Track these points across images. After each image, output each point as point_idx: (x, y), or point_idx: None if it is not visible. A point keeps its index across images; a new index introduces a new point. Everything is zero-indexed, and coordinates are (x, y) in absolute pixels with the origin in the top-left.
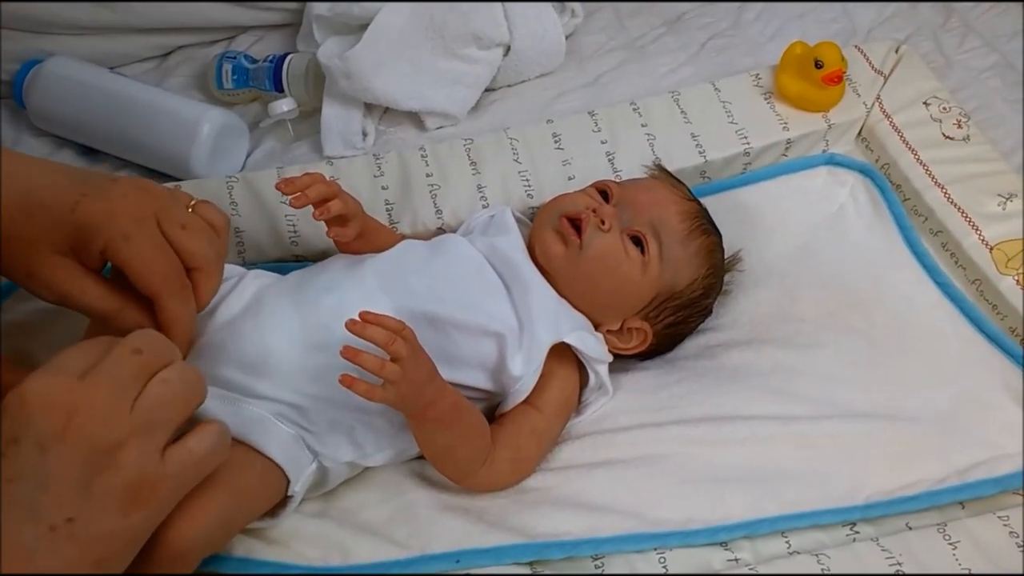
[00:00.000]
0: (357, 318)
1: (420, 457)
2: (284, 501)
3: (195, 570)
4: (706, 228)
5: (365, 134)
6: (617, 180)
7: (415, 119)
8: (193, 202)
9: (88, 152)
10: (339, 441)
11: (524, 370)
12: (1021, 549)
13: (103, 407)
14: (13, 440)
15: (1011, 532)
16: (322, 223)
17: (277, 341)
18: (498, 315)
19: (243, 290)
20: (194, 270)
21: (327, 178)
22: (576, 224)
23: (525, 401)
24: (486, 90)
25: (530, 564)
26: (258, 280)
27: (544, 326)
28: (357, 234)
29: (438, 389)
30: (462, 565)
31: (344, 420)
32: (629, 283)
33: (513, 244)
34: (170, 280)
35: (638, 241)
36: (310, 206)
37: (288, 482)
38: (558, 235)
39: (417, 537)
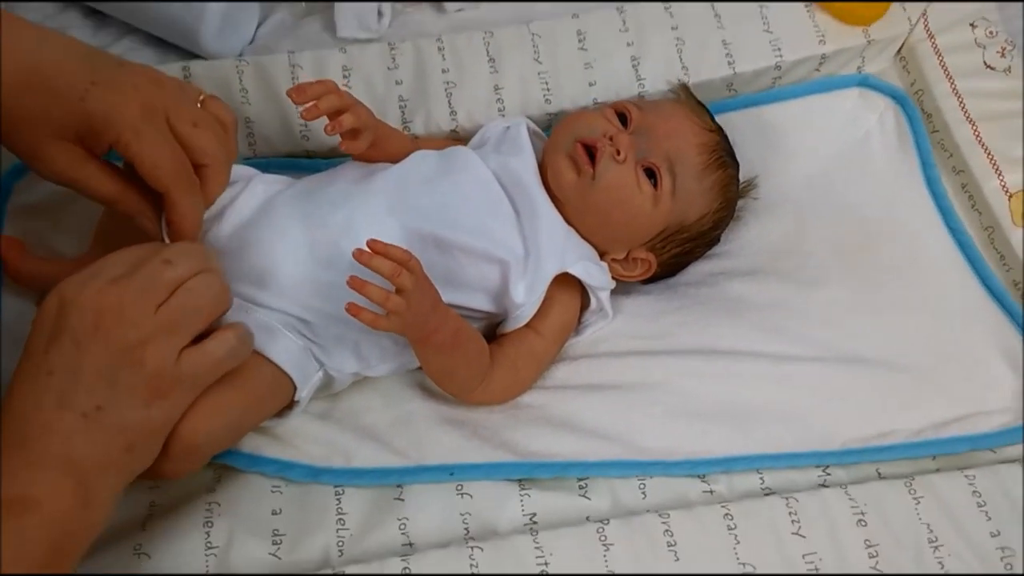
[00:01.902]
0: (363, 243)
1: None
2: (290, 404)
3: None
4: (724, 161)
5: (381, 14)
6: (638, 101)
7: None
8: (202, 97)
9: (93, 14)
10: (344, 354)
11: (526, 298)
12: (982, 508)
13: (131, 309)
14: (54, 337)
15: (974, 491)
16: None
17: (284, 256)
18: (504, 241)
19: (250, 196)
20: (202, 167)
21: (340, 79)
22: (591, 152)
23: (525, 324)
24: None
25: (519, 481)
26: (266, 186)
27: (550, 255)
28: (369, 144)
29: (441, 317)
30: (456, 477)
31: (349, 335)
32: (639, 217)
33: (526, 166)
34: (179, 176)
35: (652, 174)
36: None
37: (295, 388)
38: (571, 161)
39: (416, 447)
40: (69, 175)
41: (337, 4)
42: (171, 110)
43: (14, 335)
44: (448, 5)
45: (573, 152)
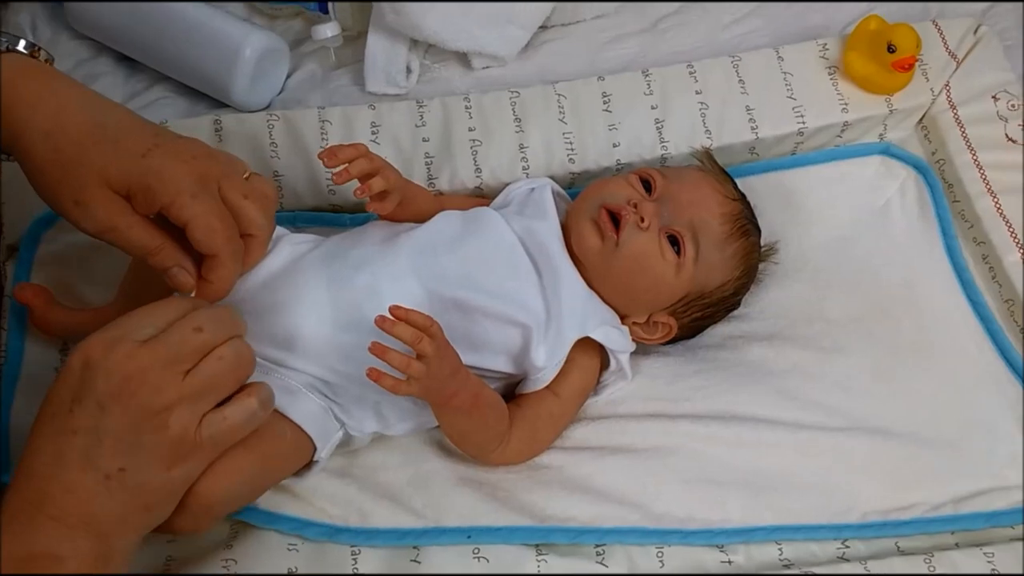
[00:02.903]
0: (386, 307)
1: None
2: (310, 463)
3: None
4: (746, 229)
5: (410, 70)
6: (662, 168)
7: (461, 57)
8: (247, 173)
9: (125, 60)
10: (364, 414)
11: (547, 361)
12: None
13: (157, 376)
14: (78, 398)
15: (993, 569)
16: None
17: (308, 318)
18: (527, 304)
19: (276, 257)
20: (249, 236)
21: (368, 135)
22: (615, 218)
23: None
24: (538, 28)
25: (536, 546)
26: (292, 247)
27: (571, 320)
28: (396, 205)
29: (461, 381)
30: (473, 540)
31: (370, 396)
32: (661, 283)
33: (550, 230)
34: (230, 241)
35: (675, 241)
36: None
37: (315, 447)
38: (595, 227)
39: (433, 508)
40: (111, 222)
41: (367, 60)
42: (224, 181)
43: (36, 382)
44: (475, 62)
45: (598, 218)
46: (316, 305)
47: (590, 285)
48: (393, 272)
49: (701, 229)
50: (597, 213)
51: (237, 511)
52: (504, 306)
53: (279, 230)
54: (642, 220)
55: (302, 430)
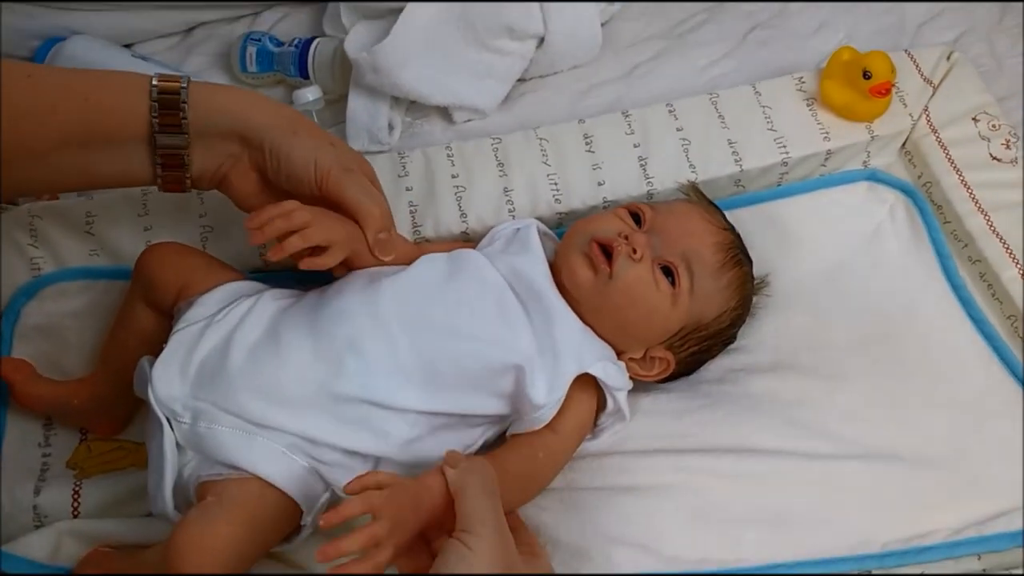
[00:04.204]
0: (371, 358)
1: None
2: (299, 528)
3: None
4: (739, 259)
5: (392, 127)
6: (651, 203)
7: (443, 111)
8: None
9: None
10: (351, 475)
11: (546, 399)
12: None
13: None
14: None
15: None
16: None
17: (292, 376)
18: (516, 347)
19: (261, 313)
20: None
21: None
22: (607, 251)
23: None
24: (517, 81)
25: None
26: (276, 302)
27: (567, 356)
28: (341, 261)
29: (428, 500)
30: None
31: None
32: (657, 315)
33: (536, 268)
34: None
35: (668, 272)
36: None
37: (301, 511)
38: (587, 260)
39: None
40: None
41: (349, 120)
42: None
43: (18, 459)
44: (456, 116)
45: (589, 251)
46: (300, 359)
47: (584, 320)
48: (375, 323)
49: (694, 259)
50: (588, 247)
51: None
52: (492, 350)
53: (260, 286)
54: (634, 251)
55: (286, 494)
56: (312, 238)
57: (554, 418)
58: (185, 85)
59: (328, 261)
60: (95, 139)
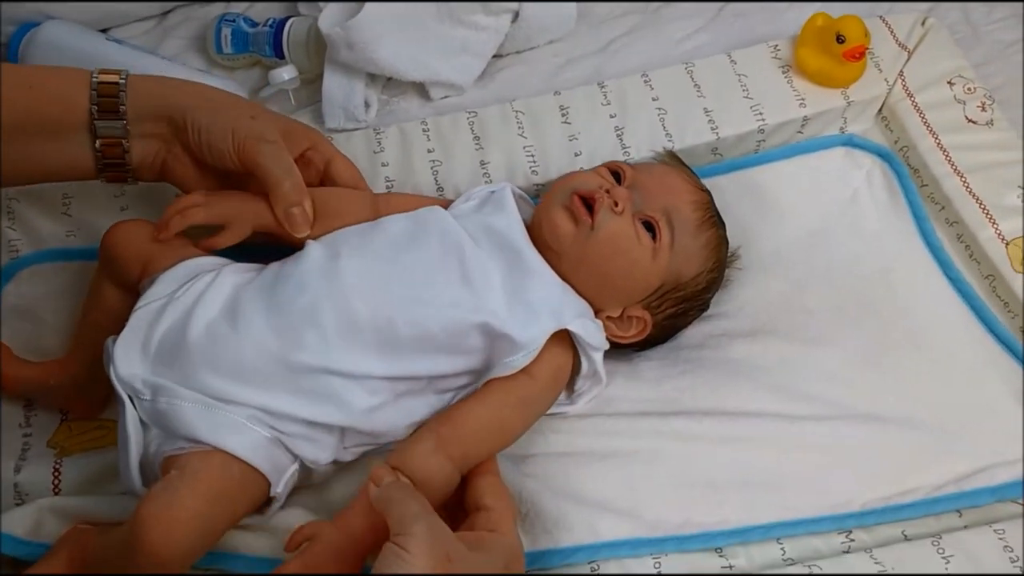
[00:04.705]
0: (329, 330)
1: None
2: (270, 500)
3: (193, 567)
4: (716, 221)
5: (368, 105)
6: (628, 161)
7: (419, 88)
8: None
9: None
10: (315, 446)
11: (523, 348)
12: (1015, 564)
13: None
14: None
15: (1005, 546)
16: None
17: (250, 350)
18: (482, 306)
19: (220, 288)
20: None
21: None
22: (588, 204)
23: None
24: (493, 57)
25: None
26: (235, 276)
27: (546, 312)
28: (241, 237)
29: (357, 550)
30: None
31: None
32: (638, 269)
33: (512, 225)
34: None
35: (650, 227)
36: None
37: (270, 483)
38: (568, 213)
39: None
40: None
41: (324, 97)
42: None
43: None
44: (433, 92)
45: (570, 204)
46: (258, 332)
47: (562, 275)
48: (333, 294)
49: (675, 215)
50: (569, 200)
51: (209, 559)
52: (453, 311)
53: (221, 260)
54: (616, 204)
55: (250, 465)
56: (194, 217)
57: (530, 364)
58: (124, 78)
59: (223, 241)
60: (40, 128)
